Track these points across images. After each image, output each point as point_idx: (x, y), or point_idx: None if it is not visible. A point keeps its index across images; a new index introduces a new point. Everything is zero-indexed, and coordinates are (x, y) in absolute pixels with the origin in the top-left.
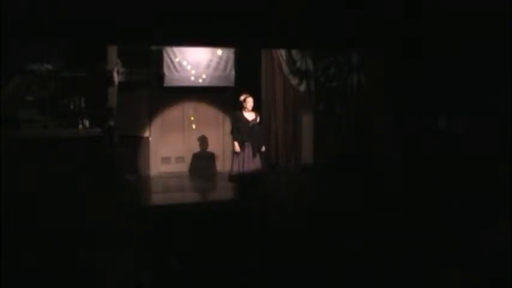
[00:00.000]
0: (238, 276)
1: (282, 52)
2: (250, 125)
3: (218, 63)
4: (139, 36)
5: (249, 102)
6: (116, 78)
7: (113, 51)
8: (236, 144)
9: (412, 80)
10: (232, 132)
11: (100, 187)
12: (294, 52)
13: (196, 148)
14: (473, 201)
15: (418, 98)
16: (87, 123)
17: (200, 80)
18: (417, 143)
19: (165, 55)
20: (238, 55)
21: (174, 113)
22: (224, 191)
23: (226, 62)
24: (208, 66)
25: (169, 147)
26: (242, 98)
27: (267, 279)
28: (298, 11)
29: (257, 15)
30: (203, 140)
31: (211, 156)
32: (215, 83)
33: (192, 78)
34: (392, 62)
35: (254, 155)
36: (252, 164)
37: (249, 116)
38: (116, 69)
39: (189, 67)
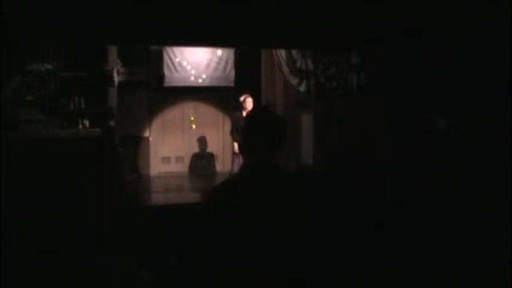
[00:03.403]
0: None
1: (282, 52)
2: None
3: (218, 63)
4: (139, 36)
5: (249, 102)
6: (116, 78)
7: (113, 51)
8: (236, 144)
9: (412, 79)
10: (232, 132)
11: (100, 187)
12: (294, 52)
13: (196, 148)
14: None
15: (418, 98)
16: (87, 123)
17: (200, 80)
18: (416, 143)
19: (165, 55)
20: (238, 55)
21: (174, 113)
22: None
23: (226, 62)
24: (208, 66)
25: (169, 147)
26: (242, 98)
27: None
28: (298, 11)
29: (257, 15)
30: (203, 140)
31: (211, 156)
32: (215, 83)
33: (192, 78)
34: (392, 62)
35: None
36: None
37: None
38: (116, 69)
39: (189, 67)
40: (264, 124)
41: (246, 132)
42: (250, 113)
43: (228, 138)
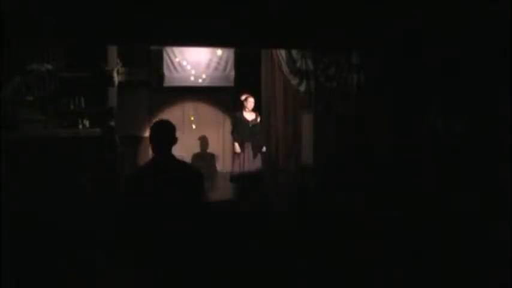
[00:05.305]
0: (235, 277)
1: (282, 52)
2: (251, 125)
3: (218, 63)
4: (139, 36)
5: (250, 102)
6: (116, 78)
7: (113, 51)
8: (236, 144)
9: (412, 79)
10: (232, 132)
11: (100, 187)
12: (294, 52)
13: (197, 148)
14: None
15: (418, 98)
16: (87, 123)
17: (200, 80)
18: (416, 143)
19: (165, 55)
20: (238, 55)
21: (174, 113)
22: (225, 191)
23: (226, 62)
24: (208, 66)
25: None
26: (243, 97)
27: (264, 278)
28: (298, 11)
29: (257, 15)
30: (203, 140)
31: (212, 157)
32: (215, 83)
33: (192, 78)
34: (392, 62)
35: (254, 156)
36: (252, 164)
37: (249, 116)
38: (116, 69)
39: (189, 67)
40: (160, 131)
41: (150, 136)
42: (152, 124)
43: (229, 138)
